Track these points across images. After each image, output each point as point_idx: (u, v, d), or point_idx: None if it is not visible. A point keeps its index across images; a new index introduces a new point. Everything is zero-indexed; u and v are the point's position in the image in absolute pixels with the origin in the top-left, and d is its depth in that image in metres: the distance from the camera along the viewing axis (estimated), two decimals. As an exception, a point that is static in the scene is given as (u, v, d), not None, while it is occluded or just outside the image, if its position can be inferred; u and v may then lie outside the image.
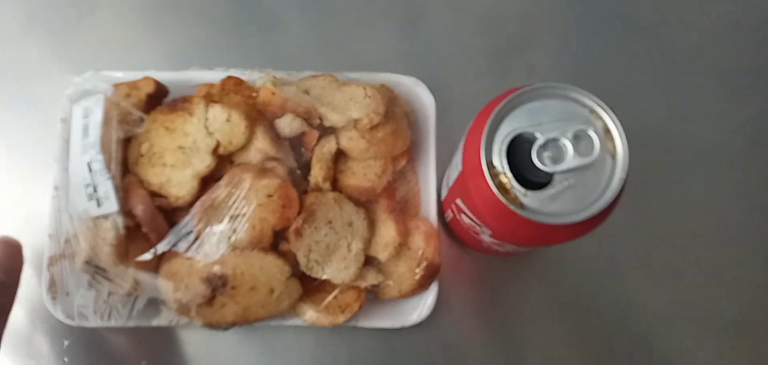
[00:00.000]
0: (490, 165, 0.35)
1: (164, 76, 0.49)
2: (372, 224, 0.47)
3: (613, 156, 0.35)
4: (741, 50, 0.59)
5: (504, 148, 0.35)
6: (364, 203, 0.48)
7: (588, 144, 0.35)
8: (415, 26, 0.58)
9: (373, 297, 0.48)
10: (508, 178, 0.35)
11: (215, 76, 0.49)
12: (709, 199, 0.55)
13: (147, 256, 0.43)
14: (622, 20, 0.59)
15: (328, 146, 0.47)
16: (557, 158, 0.35)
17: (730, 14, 0.59)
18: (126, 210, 0.44)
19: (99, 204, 0.43)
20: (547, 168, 0.34)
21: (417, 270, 0.47)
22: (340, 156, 0.48)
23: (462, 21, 0.58)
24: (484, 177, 0.34)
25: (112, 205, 0.43)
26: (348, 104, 0.47)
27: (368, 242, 0.47)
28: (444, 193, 0.49)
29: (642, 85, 0.57)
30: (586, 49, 0.58)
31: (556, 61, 0.58)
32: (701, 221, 0.54)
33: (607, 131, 0.35)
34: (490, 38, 0.58)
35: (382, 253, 0.47)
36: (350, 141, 0.47)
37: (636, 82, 0.58)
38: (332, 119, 0.46)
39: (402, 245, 0.47)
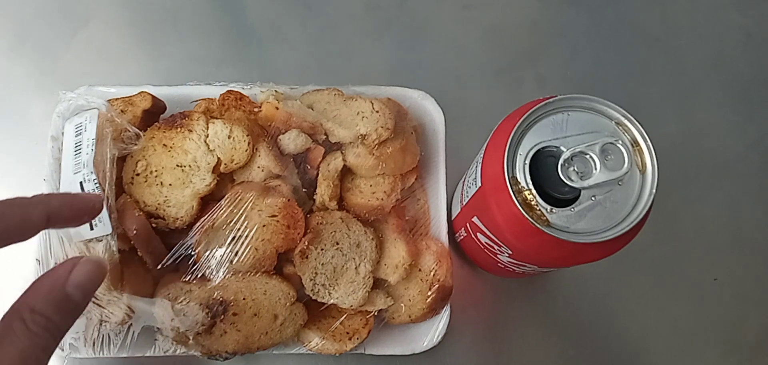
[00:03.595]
0: (514, 181, 0.33)
1: (160, 92, 0.47)
2: (380, 245, 0.45)
3: (642, 170, 0.33)
4: (754, 62, 0.57)
5: (527, 163, 0.33)
6: (372, 222, 0.46)
7: (617, 158, 0.33)
8: (421, 38, 0.56)
9: (381, 322, 0.45)
10: (532, 194, 0.32)
11: (214, 91, 0.47)
12: (727, 214, 0.53)
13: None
14: (633, 32, 0.58)
15: (335, 162, 0.45)
16: (584, 173, 0.33)
17: (742, 26, 0.58)
18: (120, 233, 0.41)
19: (92, 227, 0.40)
20: (574, 183, 0.32)
21: (428, 293, 0.44)
22: (346, 173, 0.46)
23: (469, 32, 0.57)
24: (508, 193, 0.32)
25: (105, 227, 0.40)
26: (355, 119, 0.45)
27: (377, 263, 0.45)
28: (455, 211, 0.46)
29: (654, 98, 0.56)
30: (596, 61, 0.56)
31: (566, 73, 0.56)
32: (719, 238, 0.52)
33: (636, 143, 0.33)
34: (499, 50, 0.56)
35: (391, 275, 0.44)
36: (358, 158, 0.44)
37: (648, 94, 0.56)
38: (339, 134, 0.44)
39: (412, 267, 0.45)
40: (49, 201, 0.29)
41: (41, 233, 0.43)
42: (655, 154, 0.33)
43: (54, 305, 0.26)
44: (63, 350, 0.42)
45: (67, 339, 0.42)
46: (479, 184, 0.36)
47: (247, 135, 0.43)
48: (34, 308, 0.25)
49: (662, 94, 0.56)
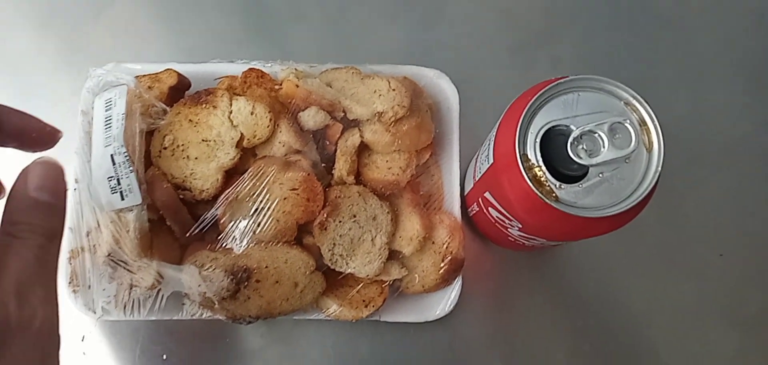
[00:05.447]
0: (525, 158, 0.34)
1: (185, 69, 0.49)
2: (396, 218, 0.47)
3: (649, 148, 0.35)
4: (765, 43, 0.58)
5: (538, 141, 0.35)
6: (388, 196, 0.48)
7: (624, 136, 0.34)
8: (437, 18, 0.58)
9: (396, 291, 0.47)
10: (542, 171, 0.34)
11: (236, 68, 0.49)
12: (734, 193, 0.54)
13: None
14: (646, 13, 0.58)
15: (352, 139, 0.46)
16: (593, 151, 0.34)
17: (754, 7, 0.59)
18: (149, 203, 0.43)
19: (123, 197, 0.43)
20: (582, 161, 0.34)
21: (441, 265, 0.46)
22: (363, 149, 0.48)
23: (485, 12, 0.58)
24: (518, 170, 0.34)
25: (136, 198, 0.42)
26: (372, 97, 0.47)
27: (392, 236, 0.47)
28: (468, 186, 0.48)
29: (666, 79, 0.57)
30: (609, 42, 0.57)
31: (579, 53, 0.57)
32: (726, 216, 0.54)
33: (643, 123, 0.35)
34: (514, 30, 0.57)
35: (406, 247, 0.46)
36: (374, 134, 0.46)
37: (660, 75, 0.57)
38: (356, 111, 0.46)
39: (426, 239, 0.47)
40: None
41: (73, 202, 0.46)
42: (662, 133, 0.35)
43: (27, 210, 0.27)
44: (95, 312, 0.45)
45: (100, 302, 0.44)
46: (491, 160, 0.38)
47: (269, 112, 0.45)
48: (12, 220, 0.27)
49: (674, 74, 0.57)
